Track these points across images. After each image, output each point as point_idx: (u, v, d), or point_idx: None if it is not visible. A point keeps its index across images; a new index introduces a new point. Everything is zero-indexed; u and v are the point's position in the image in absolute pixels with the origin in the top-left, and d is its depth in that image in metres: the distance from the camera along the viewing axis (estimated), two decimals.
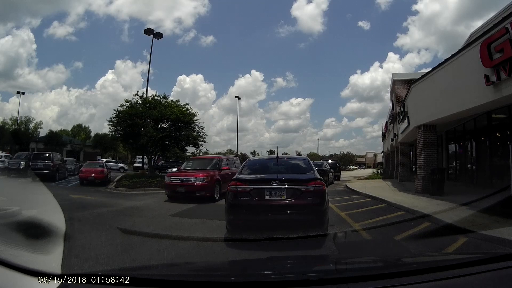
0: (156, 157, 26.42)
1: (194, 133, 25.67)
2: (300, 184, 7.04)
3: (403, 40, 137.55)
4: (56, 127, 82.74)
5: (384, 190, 18.39)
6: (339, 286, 2.21)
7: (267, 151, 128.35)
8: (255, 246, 6.13)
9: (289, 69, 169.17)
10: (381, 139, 47.79)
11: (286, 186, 7.00)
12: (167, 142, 24.27)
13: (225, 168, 16.27)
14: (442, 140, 22.07)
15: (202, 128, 26.47)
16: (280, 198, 6.92)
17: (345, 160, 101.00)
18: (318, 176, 7.49)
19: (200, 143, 26.58)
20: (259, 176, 7.59)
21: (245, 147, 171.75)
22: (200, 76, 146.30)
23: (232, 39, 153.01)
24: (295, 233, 6.33)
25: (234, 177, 7.59)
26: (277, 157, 8.85)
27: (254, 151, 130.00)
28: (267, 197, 6.94)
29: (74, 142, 63.53)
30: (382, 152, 53.99)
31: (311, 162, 8.67)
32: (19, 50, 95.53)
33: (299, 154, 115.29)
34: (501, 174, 12.62)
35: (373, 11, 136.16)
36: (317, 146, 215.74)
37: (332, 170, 29.25)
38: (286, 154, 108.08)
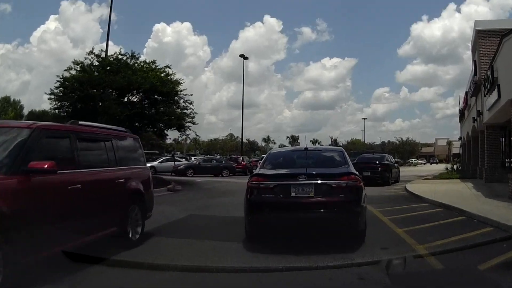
0: None
1: (178, 111, 25.83)
2: (331, 179, 8.71)
3: None
4: None
5: (463, 195, 18.58)
6: None
7: (287, 138, 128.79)
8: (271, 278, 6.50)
9: (321, 14, 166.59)
10: (458, 119, 47.08)
11: (315, 181, 8.64)
12: (137, 124, 24.43)
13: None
14: None
15: (189, 103, 26.73)
16: (308, 195, 8.56)
17: (403, 151, 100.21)
18: (353, 170, 9.24)
19: (187, 124, 26.91)
20: (284, 170, 9.43)
21: (255, 132, 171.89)
22: (187, 25, 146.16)
23: None
24: (327, 254, 7.29)
25: (255, 172, 9.53)
26: (306, 149, 10.49)
27: (268, 137, 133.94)
28: (293, 194, 8.61)
29: None
30: (460, 138, 53.53)
31: (346, 154, 10.23)
32: None
33: (334, 141, 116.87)
34: None
35: None
36: (362, 130, 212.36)
37: (396, 164, 34.20)
38: (318, 143, 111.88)
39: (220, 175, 41.42)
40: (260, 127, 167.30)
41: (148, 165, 37.79)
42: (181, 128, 25.79)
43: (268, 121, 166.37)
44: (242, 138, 66.56)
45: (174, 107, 25.25)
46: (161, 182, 23.73)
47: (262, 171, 9.47)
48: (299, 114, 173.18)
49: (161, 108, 24.78)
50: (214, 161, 46.77)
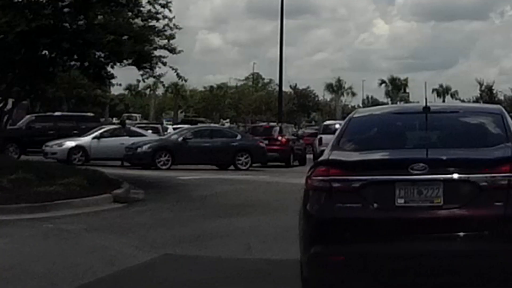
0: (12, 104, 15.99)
1: (138, 22, 15.04)
2: (478, 171, 5.35)
3: None
4: None
5: None
6: None
7: (381, 84, 79.28)
8: None
9: None
10: None
11: (446, 176, 5.35)
12: (46, 53, 15.14)
13: None
14: None
15: (163, 5, 15.53)
16: (431, 203, 5.30)
17: None
18: None
19: (157, 54, 15.98)
20: (382, 154, 5.88)
21: (309, 69, 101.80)
22: None
23: None
24: None
25: (323, 157, 5.83)
26: (426, 109, 6.22)
27: (339, 81, 78.94)
28: (400, 201, 5.31)
29: None
30: None
31: (509, 119, 6.28)
32: None
33: (488, 91, 69.93)
34: None
35: None
36: None
37: None
38: (450, 95, 65.37)
39: (233, 167, 24.22)
40: (321, 59, 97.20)
41: (70, 142, 25.00)
42: (144, 61, 15.20)
43: (338, 46, 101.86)
44: (280, 82, 39.18)
45: (129, 13, 14.32)
46: (99, 181, 14.35)
47: (336, 155, 5.67)
48: (407, 31, 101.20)
49: (99, 17, 13.99)
50: (217, 134, 26.80)
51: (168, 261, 7.68)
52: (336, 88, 77.24)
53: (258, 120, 55.75)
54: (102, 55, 15.63)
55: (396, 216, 5.29)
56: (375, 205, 5.34)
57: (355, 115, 6.99)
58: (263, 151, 25.03)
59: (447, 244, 5.21)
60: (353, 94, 79.93)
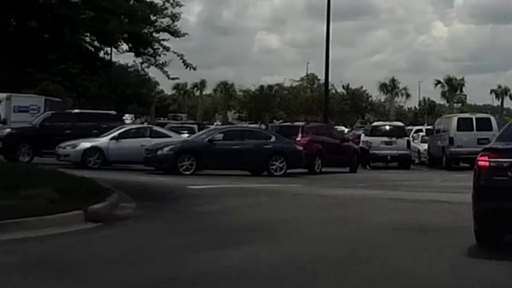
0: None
1: None
2: None
3: None
4: None
5: None
6: None
7: (437, 84, 74.46)
8: None
9: None
10: None
11: None
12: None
13: None
14: None
15: None
16: None
17: None
18: None
19: (156, 35, 13.64)
20: None
21: (365, 69, 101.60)
22: None
23: None
24: None
25: (487, 146, 8.59)
26: None
27: (393, 80, 74.82)
28: None
29: None
30: None
31: None
32: None
33: None
34: None
35: None
36: None
37: None
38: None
39: (267, 172, 21.01)
40: (379, 60, 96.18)
41: (85, 143, 21.75)
42: (141, 44, 12.70)
43: (396, 48, 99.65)
44: (326, 82, 36.65)
45: None
46: (77, 192, 11.17)
47: (495, 145, 8.42)
48: (466, 32, 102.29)
49: None
50: (249, 135, 23.13)
51: None
52: (390, 88, 73.52)
53: (307, 118, 52.24)
54: (88, 37, 12.68)
55: None
56: None
57: None
58: (300, 155, 21.43)
59: None
60: (408, 95, 76.28)
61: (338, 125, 57.45)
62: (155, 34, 13.15)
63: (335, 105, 71.04)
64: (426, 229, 9.21)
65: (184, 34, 13.44)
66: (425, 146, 30.54)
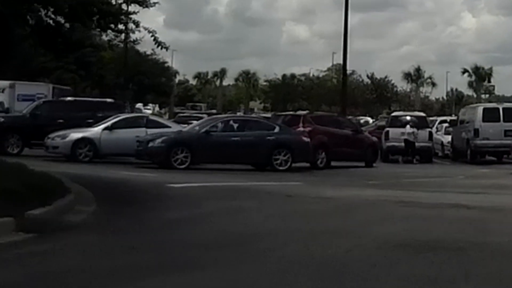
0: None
1: None
2: None
3: None
4: None
5: None
6: None
7: (464, 72, 71.41)
8: None
9: None
10: None
11: None
12: None
13: None
14: None
15: None
16: None
17: None
18: None
19: (127, 13, 11.91)
20: None
21: (390, 59, 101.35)
22: None
23: None
24: None
25: None
26: None
27: (418, 70, 71.59)
28: None
29: None
30: None
31: None
32: None
33: None
34: None
35: None
36: None
37: None
38: None
39: (270, 166, 19.08)
40: (407, 51, 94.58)
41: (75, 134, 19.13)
42: (104, 18, 10.73)
43: (424, 39, 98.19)
44: (344, 65, 35.75)
45: None
46: (19, 193, 8.54)
47: None
48: (494, 24, 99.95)
49: None
50: (250, 125, 21.11)
51: None
52: (414, 77, 70.35)
53: (329, 111, 50.60)
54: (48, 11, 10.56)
55: None
56: None
57: None
58: (306, 148, 19.30)
59: None
60: (433, 84, 72.37)
61: (365, 115, 55.32)
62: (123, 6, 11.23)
63: (359, 95, 69.22)
64: (436, 247, 6.90)
65: (154, 4, 11.44)
66: (449, 138, 28.38)
